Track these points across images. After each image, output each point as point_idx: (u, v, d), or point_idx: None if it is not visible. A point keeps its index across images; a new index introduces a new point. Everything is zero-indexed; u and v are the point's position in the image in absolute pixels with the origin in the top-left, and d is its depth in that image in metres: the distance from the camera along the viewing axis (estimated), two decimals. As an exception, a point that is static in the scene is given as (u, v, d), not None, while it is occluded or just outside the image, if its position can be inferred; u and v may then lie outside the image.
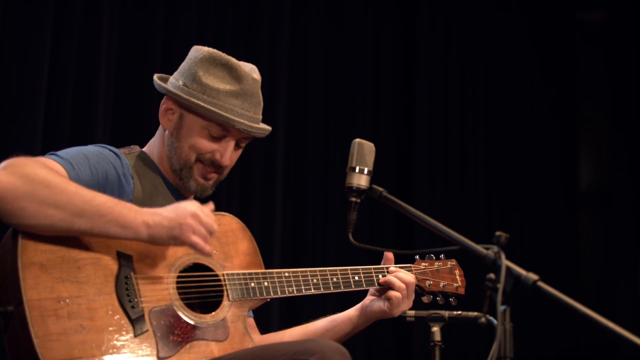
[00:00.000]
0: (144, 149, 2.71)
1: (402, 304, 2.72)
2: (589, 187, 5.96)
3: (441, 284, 2.88)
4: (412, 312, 2.75)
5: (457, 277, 2.94)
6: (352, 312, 2.81)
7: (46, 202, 2.20)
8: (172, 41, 5.02)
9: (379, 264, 2.82)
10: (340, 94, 5.58)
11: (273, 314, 4.97)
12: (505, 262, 1.96)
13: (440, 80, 5.77)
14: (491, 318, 2.04)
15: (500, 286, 1.94)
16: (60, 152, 2.42)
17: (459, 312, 2.71)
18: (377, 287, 2.76)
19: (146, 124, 4.84)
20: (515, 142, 5.81)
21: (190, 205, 2.34)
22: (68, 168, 2.35)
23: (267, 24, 5.34)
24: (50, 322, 2.17)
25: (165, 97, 2.68)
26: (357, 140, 2.39)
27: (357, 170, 2.34)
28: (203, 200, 2.74)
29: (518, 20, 5.93)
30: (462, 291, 2.92)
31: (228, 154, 2.63)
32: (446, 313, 2.66)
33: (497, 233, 2.00)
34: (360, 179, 2.34)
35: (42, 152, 2.43)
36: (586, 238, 5.89)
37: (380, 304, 2.75)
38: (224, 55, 2.66)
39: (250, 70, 2.70)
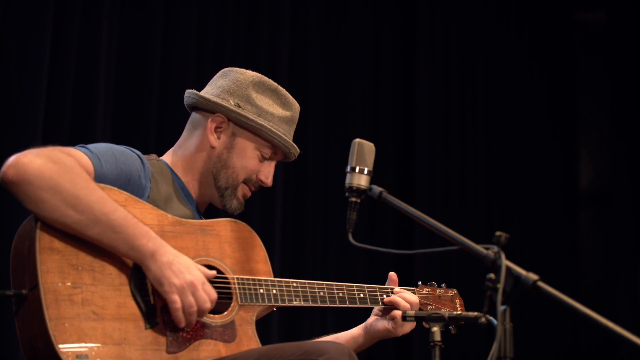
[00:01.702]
0: (161, 158, 2.75)
1: (406, 324, 2.77)
2: (589, 187, 5.96)
3: (442, 310, 2.90)
4: (412, 312, 2.77)
5: (458, 306, 2.99)
6: (355, 331, 2.87)
7: (67, 201, 2.24)
8: (172, 41, 5.02)
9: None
10: (340, 94, 5.57)
11: (273, 326, 4.96)
12: (505, 262, 1.96)
13: (440, 80, 5.77)
14: (491, 318, 2.05)
15: (500, 286, 1.94)
16: (90, 146, 2.46)
17: (459, 312, 2.72)
18: (381, 306, 2.81)
19: (146, 124, 4.85)
20: (515, 142, 5.81)
21: (195, 276, 2.34)
22: (96, 163, 2.39)
23: (267, 23, 5.34)
24: (64, 306, 2.21)
25: (215, 114, 2.70)
26: (357, 140, 2.39)
27: (357, 170, 2.35)
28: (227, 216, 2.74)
29: (518, 20, 5.92)
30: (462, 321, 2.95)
31: (272, 175, 2.77)
32: (446, 313, 2.66)
33: (497, 233, 2.00)
34: (360, 179, 2.34)
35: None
36: (586, 238, 5.89)
37: (384, 323, 2.82)
38: (271, 80, 2.78)
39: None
